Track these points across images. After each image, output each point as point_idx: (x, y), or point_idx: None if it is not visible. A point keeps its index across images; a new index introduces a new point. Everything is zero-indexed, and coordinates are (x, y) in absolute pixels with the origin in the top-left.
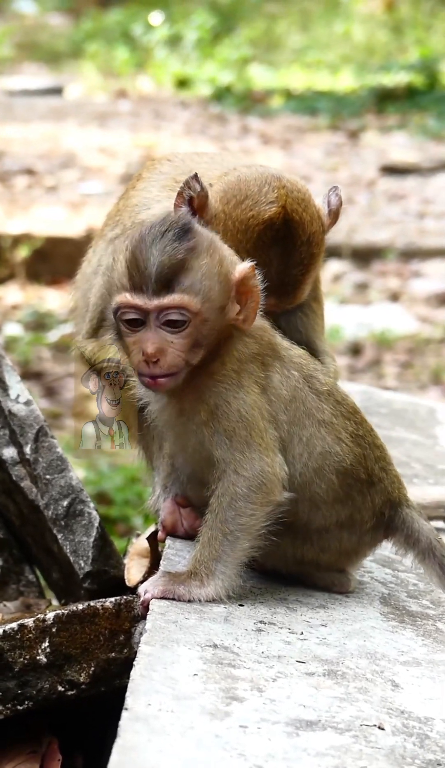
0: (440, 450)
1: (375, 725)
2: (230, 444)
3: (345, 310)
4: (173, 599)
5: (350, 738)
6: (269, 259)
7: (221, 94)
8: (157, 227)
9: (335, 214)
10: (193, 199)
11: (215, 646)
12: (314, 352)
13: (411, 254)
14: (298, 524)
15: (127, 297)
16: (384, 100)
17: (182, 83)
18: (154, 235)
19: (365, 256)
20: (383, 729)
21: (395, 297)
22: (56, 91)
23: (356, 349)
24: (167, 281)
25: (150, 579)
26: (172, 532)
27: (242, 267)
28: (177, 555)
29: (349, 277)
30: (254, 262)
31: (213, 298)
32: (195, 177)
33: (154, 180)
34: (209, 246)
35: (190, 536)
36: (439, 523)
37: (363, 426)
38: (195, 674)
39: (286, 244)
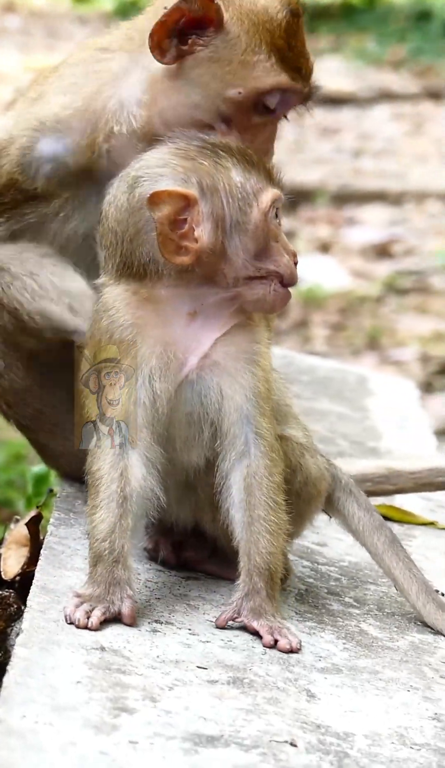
0: (370, 424)
1: (286, 741)
2: (269, 418)
3: None
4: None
5: (257, 756)
6: (297, 39)
7: (126, 9)
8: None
9: None
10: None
11: (103, 648)
12: None
13: (345, 198)
14: None
15: (276, 188)
16: (317, 18)
17: None
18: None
19: (290, 199)
20: (295, 746)
21: (325, 248)
22: None
23: None
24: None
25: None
26: None
27: None
28: (61, 543)
29: None
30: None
31: None
32: None
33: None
34: None
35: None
36: None
37: None
38: (79, 681)
39: (296, 21)
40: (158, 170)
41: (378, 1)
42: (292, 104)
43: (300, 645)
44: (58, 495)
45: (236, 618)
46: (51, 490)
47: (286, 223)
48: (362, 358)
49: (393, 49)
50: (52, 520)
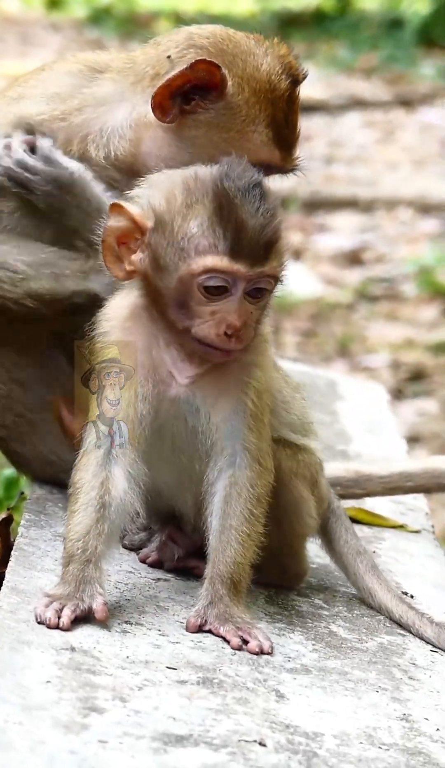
0: (340, 428)
1: (255, 741)
2: (257, 432)
3: None
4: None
5: (226, 755)
6: (293, 112)
7: (99, 16)
8: (240, 181)
9: None
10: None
11: (73, 649)
12: None
13: (316, 205)
14: None
15: (223, 262)
16: (288, 25)
17: (54, 3)
18: (245, 192)
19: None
20: (264, 745)
21: (296, 255)
22: None
23: None
24: (268, 247)
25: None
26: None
27: None
28: (31, 545)
29: None
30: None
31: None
32: (204, 60)
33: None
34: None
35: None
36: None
37: None
38: (48, 681)
39: (296, 90)
40: (141, 191)
41: (350, 9)
42: (271, 174)
43: (272, 648)
44: (28, 497)
45: (203, 625)
46: (22, 493)
47: None
48: (332, 365)
49: (365, 57)
50: (22, 522)
